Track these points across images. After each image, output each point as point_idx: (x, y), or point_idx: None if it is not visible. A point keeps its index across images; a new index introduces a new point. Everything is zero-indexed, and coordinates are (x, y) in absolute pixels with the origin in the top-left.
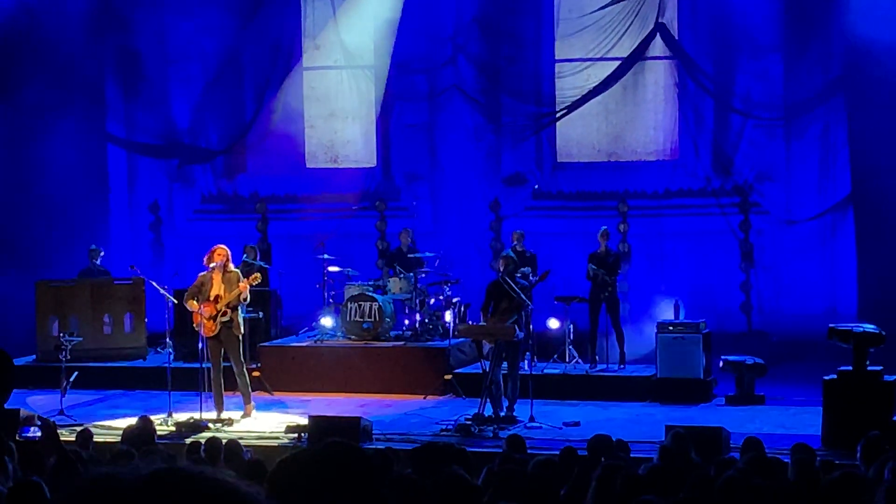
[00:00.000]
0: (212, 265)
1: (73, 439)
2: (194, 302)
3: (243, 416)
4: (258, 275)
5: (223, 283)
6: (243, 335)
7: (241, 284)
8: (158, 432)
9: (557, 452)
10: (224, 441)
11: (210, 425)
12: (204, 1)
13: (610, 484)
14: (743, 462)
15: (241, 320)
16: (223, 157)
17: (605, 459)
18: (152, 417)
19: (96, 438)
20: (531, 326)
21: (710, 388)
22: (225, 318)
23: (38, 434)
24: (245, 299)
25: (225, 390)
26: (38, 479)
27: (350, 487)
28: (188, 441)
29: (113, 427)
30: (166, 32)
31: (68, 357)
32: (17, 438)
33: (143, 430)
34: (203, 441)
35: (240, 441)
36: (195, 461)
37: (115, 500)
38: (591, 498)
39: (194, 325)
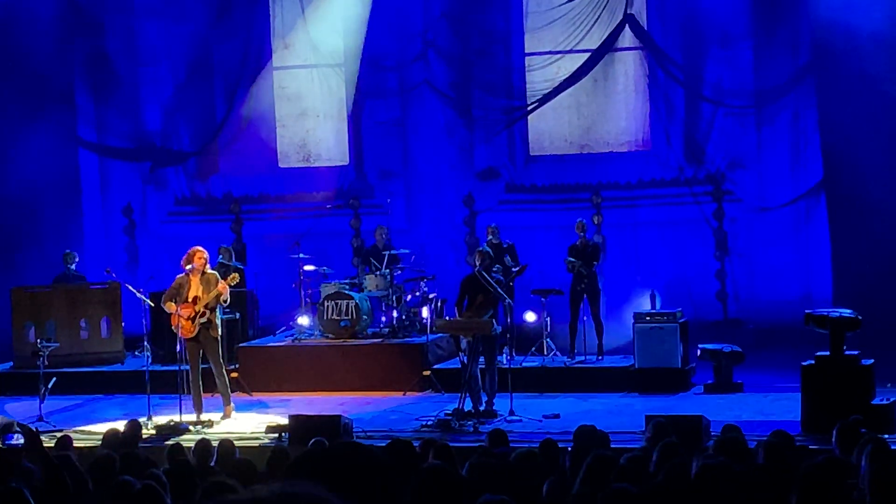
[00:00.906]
0: (188, 267)
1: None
2: (172, 304)
3: (223, 418)
4: (236, 275)
5: (201, 285)
6: (221, 336)
7: (219, 286)
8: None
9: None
10: (215, 442)
11: (190, 427)
12: (173, 2)
13: (599, 473)
14: (714, 447)
15: (219, 322)
16: (195, 158)
17: (594, 450)
18: None
19: (76, 444)
20: (511, 320)
21: (688, 377)
22: (203, 320)
23: (21, 441)
24: (224, 301)
25: (204, 392)
26: (19, 485)
27: (361, 487)
28: (169, 443)
29: (93, 432)
30: (135, 35)
31: (46, 363)
32: (1, 446)
33: (131, 434)
34: (187, 443)
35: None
36: (181, 463)
37: None
38: (579, 486)
39: (172, 326)
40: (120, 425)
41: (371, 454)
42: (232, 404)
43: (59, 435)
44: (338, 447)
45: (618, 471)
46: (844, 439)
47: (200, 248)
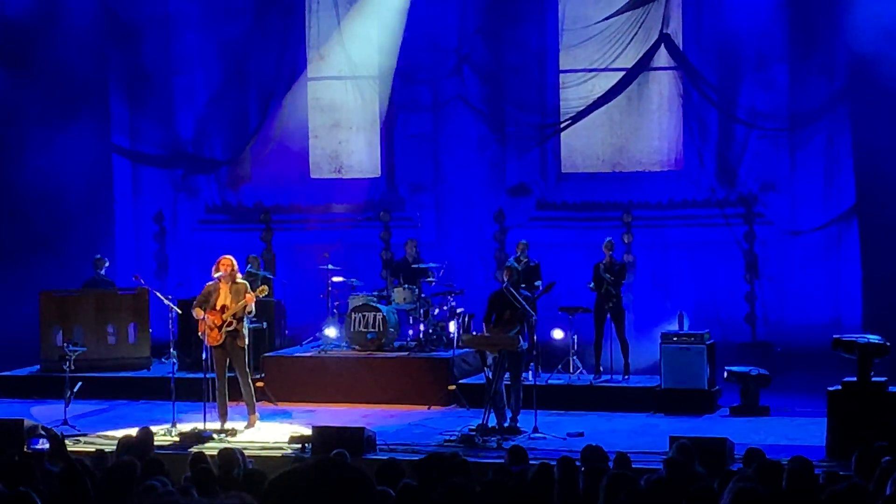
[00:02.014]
0: (217, 275)
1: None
2: (200, 310)
3: (247, 427)
4: (265, 287)
5: (230, 294)
6: (248, 345)
7: (247, 296)
8: (162, 443)
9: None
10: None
11: (214, 436)
12: (208, 12)
13: (615, 495)
14: (744, 472)
15: (245, 331)
16: (227, 167)
17: (602, 470)
18: (156, 428)
19: (102, 447)
20: (535, 337)
21: (714, 399)
22: (230, 329)
23: (46, 445)
24: (250, 312)
25: (229, 400)
26: (27, 489)
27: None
28: (192, 451)
29: (117, 437)
30: (171, 43)
31: (72, 367)
32: (26, 450)
33: (142, 442)
34: (210, 451)
35: (244, 451)
36: (203, 471)
37: None
38: None
39: (199, 333)
40: (134, 431)
41: (354, 471)
42: (257, 414)
43: (83, 439)
44: (320, 464)
45: (634, 492)
46: (863, 465)
47: (229, 256)
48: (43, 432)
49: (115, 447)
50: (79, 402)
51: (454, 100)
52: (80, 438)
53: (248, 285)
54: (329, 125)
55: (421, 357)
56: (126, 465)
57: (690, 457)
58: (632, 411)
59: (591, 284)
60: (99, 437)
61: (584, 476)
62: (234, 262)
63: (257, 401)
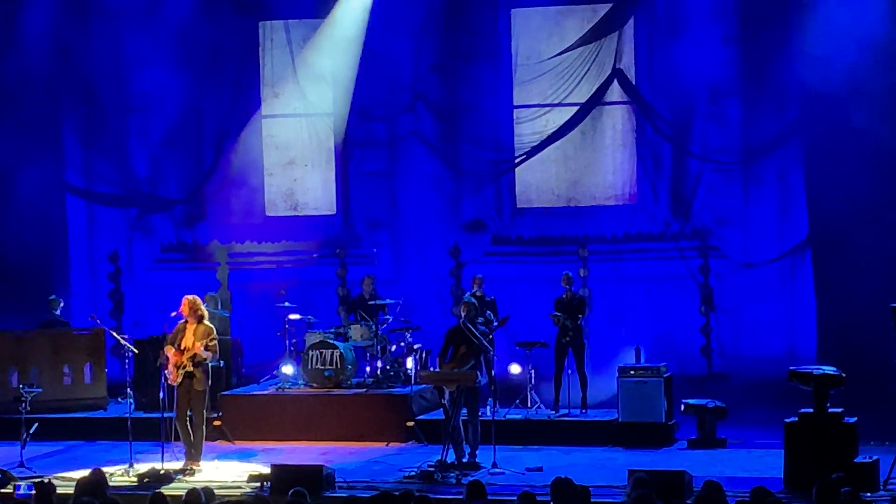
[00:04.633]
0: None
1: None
2: (169, 347)
3: (184, 468)
4: (215, 340)
5: (193, 336)
6: (206, 389)
7: (196, 345)
8: (120, 483)
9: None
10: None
11: (173, 475)
12: (163, 50)
13: None
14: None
15: (204, 375)
16: (183, 205)
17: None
18: (113, 468)
19: (58, 490)
20: (493, 372)
21: (671, 432)
22: (187, 370)
23: (32, 492)
24: (204, 359)
25: (175, 439)
26: None
27: None
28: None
29: (73, 479)
30: (125, 82)
31: (28, 408)
32: (14, 496)
33: (95, 482)
34: (169, 492)
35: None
36: None
37: None
38: None
39: (165, 371)
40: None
41: None
42: (199, 465)
43: (37, 481)
44: None
45: None
46: (824, 497)
47: (190, 296)
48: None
49: (72, 489)
50: (35, 443)
51: (409, 136)
52: (34, 480)
53: (212, 329)
54: (284, 163)
55: (379, 393)
56: None
57: (651, 489)
58: (590, 445)
59: (557, 315)
60: (56, 478)
61: None
62: (197, 301)
63: (214, 440)
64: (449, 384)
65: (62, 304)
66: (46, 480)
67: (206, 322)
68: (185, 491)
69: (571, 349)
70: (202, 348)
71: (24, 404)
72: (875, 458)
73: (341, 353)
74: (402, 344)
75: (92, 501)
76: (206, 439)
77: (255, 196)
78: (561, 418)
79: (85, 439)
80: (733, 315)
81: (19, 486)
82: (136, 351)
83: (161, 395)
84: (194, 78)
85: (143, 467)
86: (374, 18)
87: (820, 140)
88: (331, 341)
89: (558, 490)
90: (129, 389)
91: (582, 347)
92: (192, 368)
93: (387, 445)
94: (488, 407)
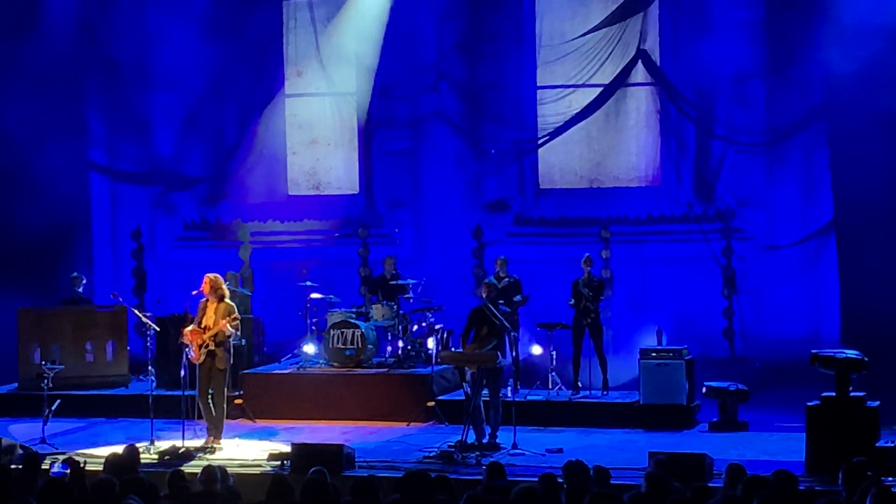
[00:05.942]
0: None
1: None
2: (192, 327)
3: (205, 445)
4: (237, 318)
5: (215, 314)
6: (227, 368)
7: (221, 322)
8: (141, 460)
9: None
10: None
11: (193, 453)
12: (187, 28)
13: None
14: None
15: (225, 354)
16: (206, 183)
17: (585, 486)
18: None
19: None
20: (517, 353)
21: (693, 415)
22: (209, 349)
23: (66, 471)
24: (229, 336)
25: (196, 417)
26: None
27: None
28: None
29: (95, 455)
30: (148, 60)
31: (50, 385)
32: (49, 476)
33: (128, 459)
34: (189, 469)
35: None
36: (181, 489)
37: None
38: None
39: (187, 349)
40: (121, 449)
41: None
42: (220, 442)
43: (62, 458)
44: None
45: None
46: (850, 481)
47: (211, 274)
48: (21, 451)
49: (92, 466)
50: (57, 420)
51: (432, 116)
52: (58, 457)
53: (233, 307)
54: (307, 142)
55: (399, 373)
56: (104, 484)
57: (668, 471)
58: (611, 427)
59: (571, 301)
60: (77, 455)
61: (567, 495)
62: (218, 279)
63: (235, 418)
64: (470, 365)
65: (84, 282)
66: (82, 463)
67: (228, 300)
68: (201, 468)
69: (590, 331)
70: (226, 326)
71: (46, 381)
72: None
73: (362, 332)
74: (424, 324)
75: (112, 480)
76: (227, 417)
77: (277, 175)
78: (581, 400)
79: (106, 416)
80: (756, 298)
81: (54, 464)
82: (157, 329)
83: (182, 373)
84: (218, 56)
85: (164, 444)
86: None
87: (845, 122)
88: (352, 321)
89: (571, 473)
90: (150, 367)
91: (600, 329)
92: (214, 347)
93: (407, 425)
94: (509, 388)
